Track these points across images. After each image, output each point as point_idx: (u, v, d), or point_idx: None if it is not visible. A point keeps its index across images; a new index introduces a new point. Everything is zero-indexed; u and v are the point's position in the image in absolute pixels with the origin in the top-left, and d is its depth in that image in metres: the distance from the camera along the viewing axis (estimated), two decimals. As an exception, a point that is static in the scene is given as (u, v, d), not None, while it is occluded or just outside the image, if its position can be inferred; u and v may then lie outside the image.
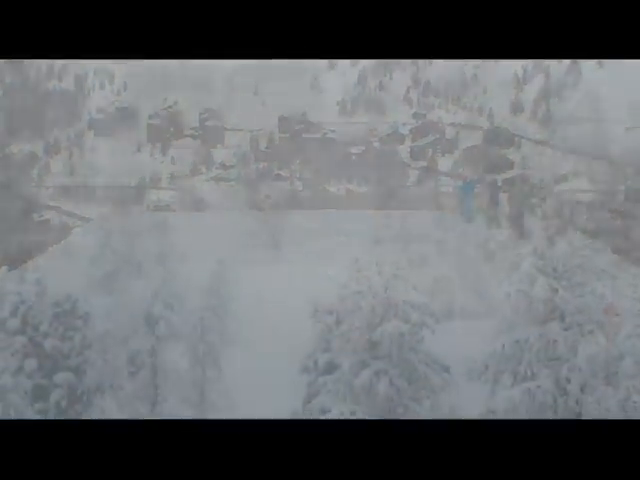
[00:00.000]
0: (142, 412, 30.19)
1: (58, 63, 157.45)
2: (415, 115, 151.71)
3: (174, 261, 47.72)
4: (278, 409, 27.23)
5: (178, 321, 31.64)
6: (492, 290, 39.47)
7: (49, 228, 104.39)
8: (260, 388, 35.10)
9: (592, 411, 24.02)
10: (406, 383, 26.29)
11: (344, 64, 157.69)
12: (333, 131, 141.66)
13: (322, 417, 26.04)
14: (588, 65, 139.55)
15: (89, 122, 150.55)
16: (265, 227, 67.97)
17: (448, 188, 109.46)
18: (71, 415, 27.19)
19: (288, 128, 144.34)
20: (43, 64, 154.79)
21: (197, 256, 52.25)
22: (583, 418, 24.12)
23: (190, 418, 28.80)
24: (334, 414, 25.21)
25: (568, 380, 24.54)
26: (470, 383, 25.98)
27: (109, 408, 27.72)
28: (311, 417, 27.50)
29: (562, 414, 24.49)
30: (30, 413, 25.67)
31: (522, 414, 24.30)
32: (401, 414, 26.07)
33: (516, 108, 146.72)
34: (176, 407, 30.97)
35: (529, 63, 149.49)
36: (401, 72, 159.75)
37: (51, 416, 26.86)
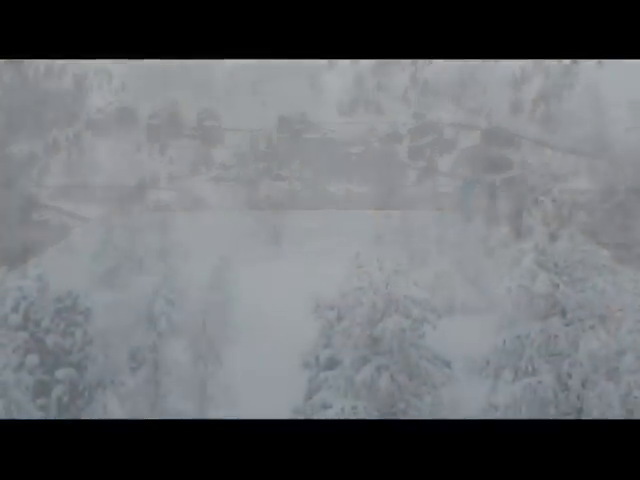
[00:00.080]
0: (143, 407, 30.20)
1: (57, 63, 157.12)
2: (414, 115, 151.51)
3: (175, 258, 47.67)
4: (279, 405, 27.29)
5: (179, 317, 31.66)
6: (493, 285, 39.21)
7: (49, 228, 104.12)
8: (261, 384, 35.14)
9: (593, 406, 24.00)
10: (407, 378, 26.33)
11: (344, 64, 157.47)
12: (333, 131, 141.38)
13: (323, 412, 26.06)
14: (588, 65, 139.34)
15: (88, 122, 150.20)
16: (265, 227, 67.88)
17: (447, 188, 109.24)
18: (72, 410, 27.27)
19: (288, 128, 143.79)
20: (42, 64, 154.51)
21: (198, 253, 52.15)
22: (584, 414, 24.12)
23: (191, 414, 28.85)
24: (335, 410, 25.24)
25: (569, 375, 24.56)
26: (471, 378, 25.99)
27: (111, 404, 27.75)
28: (312, 412, 27.50)
29: (563, 409, 24.50)
30: (32, 409, 25.71)
31: (523, 409, 24.32)
32: (402, 409, 26.11)
33: (515, 108, 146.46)
34: (177, 403, 31.00)
35: (528, 63, 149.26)
36: (400, 72, 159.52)
37: (53, 411, 26.93)
